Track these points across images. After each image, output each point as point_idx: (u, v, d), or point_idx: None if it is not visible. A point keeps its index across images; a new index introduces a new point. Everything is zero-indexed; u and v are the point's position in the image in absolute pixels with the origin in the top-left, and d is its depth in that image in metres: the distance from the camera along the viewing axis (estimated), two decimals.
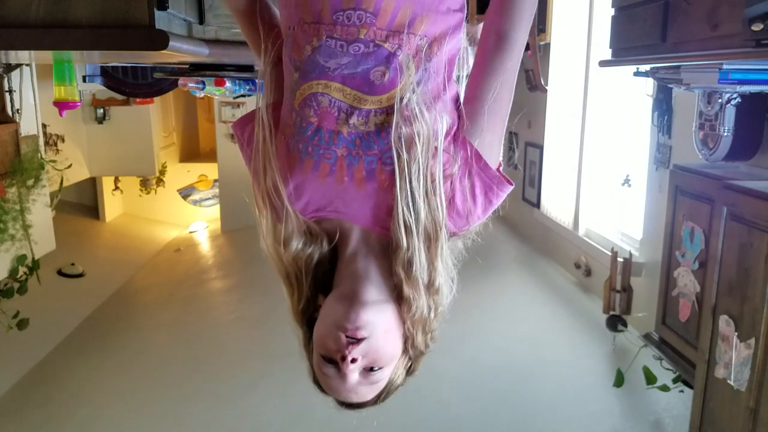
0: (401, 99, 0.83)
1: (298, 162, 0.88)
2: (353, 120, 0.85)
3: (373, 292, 0.86)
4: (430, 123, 0.83)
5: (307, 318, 0.93)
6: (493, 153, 0.89)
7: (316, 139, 0.86)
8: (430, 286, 0.87)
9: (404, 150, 0.82)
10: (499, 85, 0.89)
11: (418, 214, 0.83)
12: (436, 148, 0.83)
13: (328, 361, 0.85)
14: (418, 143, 0.82)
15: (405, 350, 0.90)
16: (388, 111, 0.84)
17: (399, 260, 0.85)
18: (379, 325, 0.85)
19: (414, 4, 0.84)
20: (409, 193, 0.83)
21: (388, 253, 0.88)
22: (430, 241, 0.85)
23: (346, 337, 0.82)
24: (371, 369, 0.85)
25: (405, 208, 0.83)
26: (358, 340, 0.82)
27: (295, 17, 0.87)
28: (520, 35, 0.88)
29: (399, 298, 0.87)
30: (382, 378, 0.87)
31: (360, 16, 0.83)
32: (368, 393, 0.87)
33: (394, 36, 0.83)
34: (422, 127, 0.82)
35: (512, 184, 0.90)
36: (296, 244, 0.89)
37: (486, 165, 0.87)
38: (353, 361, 0.82)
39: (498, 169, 0.90)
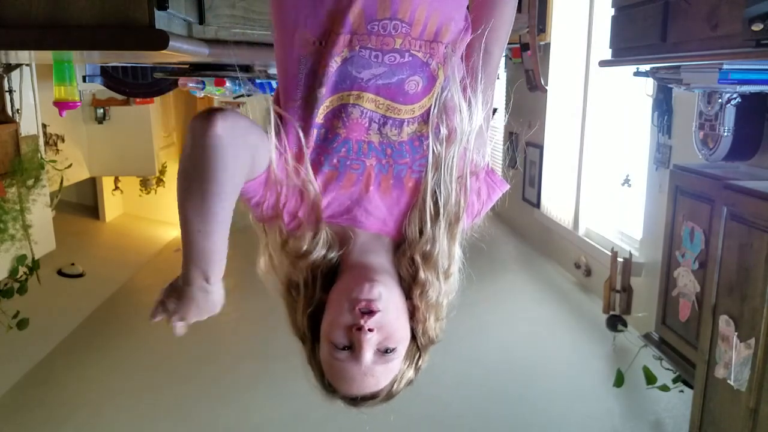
0: (435, 104, 0.87)
1: (319, 174, 0.88)
2: (386, 130, 0.86)
3: (384, 274, 0.88)
4: (462, 122, 0.88)
5: (312, 325, 0.92)
6: (486, 147, 0.95)
7: (344, 150, 0.87)
8: (447, 271, 0.90)
9: (440, 144, 0.88)
10: (489, 93, 0.94)
11: (447, 199, 0.88)
12: (464, 147, 0.89)
13: (341, 349, 0.85)
14: (455, 138, 0.88)
15: (414, 338, 0.91)
16: (421, 119, 0.87)
17: (418, 248, 0.88)
18: (391, 300, 0.86)
19: (440, 14, 0.85)
20: (441, 179, 0.88)
21: (394, 252, 0.91)
22: (452, 226, 0.89)
23: (360, 310, 0.83)
24: (385, 351, 0.86)
25: (436, 190, 0.88)
26: (373, 312, 0.83)
27: (322, 28, 0.84)
28: (501, 52, 0.97)
29: (410, 287, 0.90)
30: (395, 359, 0.87)
31: (396, 26, 0.83)
32: (383, 376, 0.87)
33: (426, 45, 0.85)
34: (457, 124, 0.88)
35: (509, 186, 0.97)
36: (319, 252, 0.89)
37: (491, 170, 0.94)
38: (370, 330, 0.83)
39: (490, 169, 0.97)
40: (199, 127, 0.75)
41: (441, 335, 0.95)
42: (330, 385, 0.90)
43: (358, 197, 0.89)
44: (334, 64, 0.84)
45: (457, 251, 0.92)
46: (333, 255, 0.90)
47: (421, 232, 0.89)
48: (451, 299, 0.94)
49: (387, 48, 0.84)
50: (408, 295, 0.91)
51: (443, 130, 0.87)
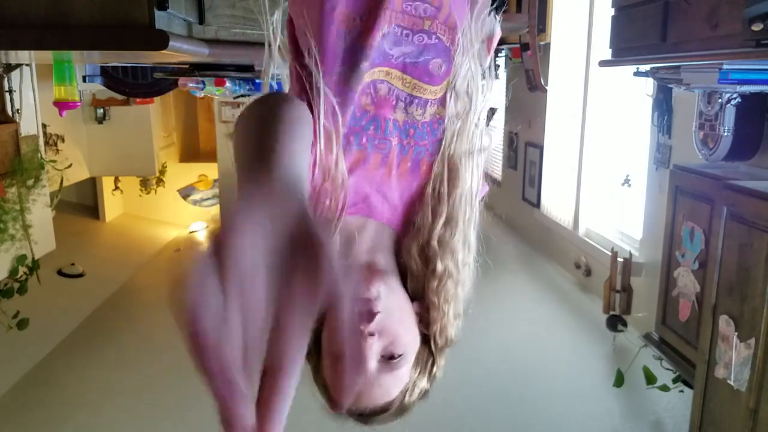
0: (455, 82, 0.85)
1: (347, 155, 0.81)
2: (411, 109, 0.84)
3: (385, 274, 0.83)
4: (477, 101, 0.86)
5: (317, 339, 0.85)
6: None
7: (372, 128, 0.83)
8: (464, 262, 0.85)
9: (456, 118, 0.85)
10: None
11: (463, 175, 0.84)
12: (476, 124, 0.86)
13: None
14: (469, 115, 0.85)
15: (426, 342, 0.85)
16: (440, 103, 0.85)
17: (435, 233, 0.83)
18: (393, 301, 0.81)
19: (458, 4, 0.86)
20: (456, 153, 0.84)
21: (397, 249, 0.87)
22: (467, 207, 0.84)
23: (359, 311, 0.78)
24: (390, 357, 0.79)
25: (453, 165, 0.84)
26: (372, 314, 0.78)
27: (365, 6, 0.82)
28: None
29: (423, 283, 0.85)
30: (403, 366, 0.81)
31: (426, 9, 0.83)
32: (392, 386, 0.80)
33: (450, 31, 0.85)
34: (473, 99, 0.85)
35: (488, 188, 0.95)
36: None
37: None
38: (370, 335, 0.77)
39: None
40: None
41: (458, 336, 0.88)
42: (337, 401, 0.81)
43: (380, 182, 0.84)
44: (375, 40, 0.81)
45: (473, 237, 0.86)
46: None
47: (434, 216, 0.83)
48: (467, 292, 0.88)
49: (417, 28, 0.84)
50: (421, 293, 0.85)
51: (459, 106, 0.85)
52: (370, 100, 0.82)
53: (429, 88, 0.84)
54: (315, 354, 0.83)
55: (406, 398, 0.82)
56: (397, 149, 0.84)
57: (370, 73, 0.82)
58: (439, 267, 0.83)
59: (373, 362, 0.78)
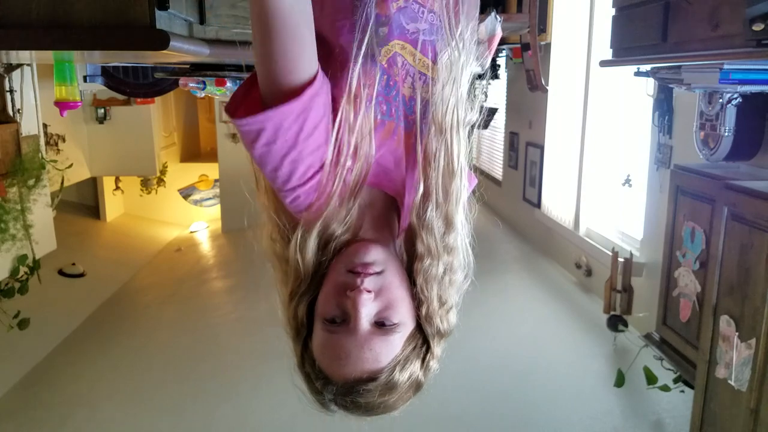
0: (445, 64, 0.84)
1: (378, 126, 0.82)
2: (418, 85, 0.85)
3: (384, 243, 0.84)
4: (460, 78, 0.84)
5: (309, 314, 0.84)
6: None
7: (398, 100, 0.84)
8: (444, 239, 0.82)
9: (441, 93, 0.82)
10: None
11: (443, 153, 0.81)
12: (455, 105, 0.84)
13: (332, 322, 0.78)
14: (451, 95, 0.82)
15: (418, 325, 0.83)
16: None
17: (415, 209, 0.82)
18: (391, 267, 0.80)
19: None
20: (438, 125, 0.82)
21: (397, 228, 0.87)
22: (447, 186, 0.82)
23: (357, 270, 0.77)
24: (383, 324, 0.78)
25: (433, 145, 0.81)
26: (370, 274, 0.77)
27: None
28: None
29: (411, 265, 0.84)
30: (396, 334, 0.78)
31: None
32: (382, 352, 0.77)
33: (454, 16, 0.86)
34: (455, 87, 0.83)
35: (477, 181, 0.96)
36: (336, 228, 0.82)
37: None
38: (368, 291, 0.76)
39: None
40: None
41: (449, 327, 0.85)
42: (323, 376, 0.79)
43: (399, 157, 0.84)
44: (390, 10, 0.83)
45: (459, 221, 0.84)
46: (345, 234, 0.82)
47: (417, 192, 0.82)
48: (459, 284, 0.86)
49: (428, 7, 0.85)
50: (412, 279, 0.83)
51: (438, 88, 0.83)
52: (396, 71, 0.84)
53: (434, 68, 0.85)
54: (306, 330, 0.83)
55: (396, 374, 0.78)
56: (402, 123, 0.85)
57: (392, 45, 0.83)
58: (420, 246, 0.82)
59: (366, 322, 0.76)
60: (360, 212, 0.83)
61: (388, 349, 0.78)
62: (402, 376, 0.78)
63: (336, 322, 0.78)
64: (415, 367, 0.81)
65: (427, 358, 0.83)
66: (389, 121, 0.83)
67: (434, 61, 0.85)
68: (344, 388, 0.77)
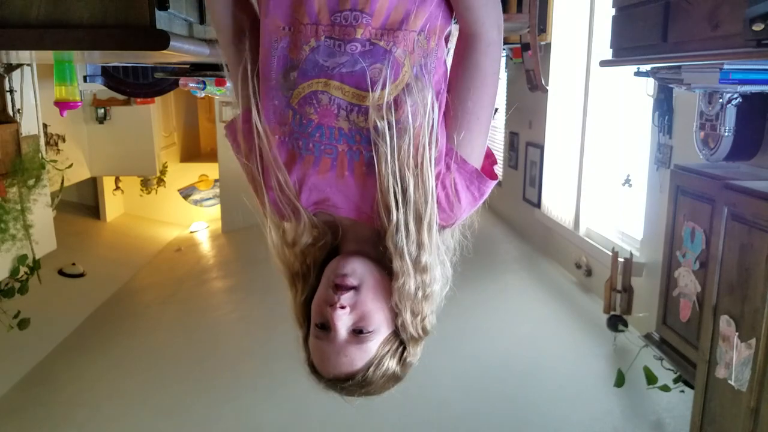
0: (398, 90, 0.86)
1: (298, 158, 0.91)
2: (353, 116, 0.87)
3: (364, 256, 0.91)
4: (413, 111, 0.85)
5: (307, 312, 0.95)
6: (474, 150, 0.90)
7: (318, 135, 0.89)
8: (417, 263, 0.88)
9: (395, 131, 0.85)
10: (475, 86, 0.88)
11: (406, 186, 0.86)
12: (418, 135, 0.85)
13: (321, 328, 0.89)
14: (406, 125, 0.85)
15: (395, 331, 0.91)
16: (387, 107, 0.86)
17: (389, 235, 0.88)
18: (368, 280, 0.88)
19: (407, 1, 0.85)
20: (397, 167, 0.86)
21: (380, 243, 0.91)
22: (418, 215, 0.87)
23: (336, 285, 0.87)
24: (360, 332, 0.88)
25: (393, 180, 0.86)
26: (347, 288, 0.87)
27: (289, 18, 0.88)
28: (489, 33, 0.88)
29: (390, 274, 0.90)
30: (370, 342, 0.88)
31: (356, 17, 0.85)
32: (357, 357, 0.88)
33: (389, 34, 0.86)
34: (409, 112, 0.85)
35: (495, 179, 0.92)
36: (306, 239, 0.94)
37: (463, 161, 0.89)
38: (342, 308, 0.86)
39: (491, 165, 0.93)
40: None
41: (424, 333, 0.93)
42: (315, 371, 0.92)
43: (335, 183, 0.90)
44: (303, 53, 0.87)
45: (429, 243, 0.89)
46: (322, 243, 0.94)
47: (389, 221, 0.88)
48: (430, 294, 0.91)
49: (348, 38, 0.86)
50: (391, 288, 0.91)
51: (393, 117, 0.85)
52: (313, 109, 0.88)
53: (371, 95, 0.85)
54: (306, 326, 0.95)
55: (370, 372, 0.89)
56: (347, 155, 0.89)
57: (309, 84, 0.88)
58: (396, 266, 0.88)
59: (343, 332, 0.87)
60: (344, 229, 0.94)
61: (363, 355, 0.88)
62: (377, 374, 0.89)
63: (322, 327, 0.89)
64: (390, 364, 0.91)
65: (404, 355, 0.93)
66: (307, 155, 0.90)
67: (369, 89, 0.85)
68: (330, 383, 0.91)
